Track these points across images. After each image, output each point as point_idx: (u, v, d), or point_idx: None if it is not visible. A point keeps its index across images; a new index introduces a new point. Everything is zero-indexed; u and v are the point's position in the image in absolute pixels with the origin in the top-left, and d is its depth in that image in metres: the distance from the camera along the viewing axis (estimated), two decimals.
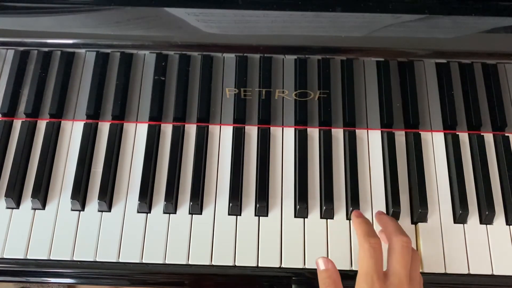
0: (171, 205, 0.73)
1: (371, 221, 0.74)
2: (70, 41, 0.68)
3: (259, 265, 0.71)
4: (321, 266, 0.65)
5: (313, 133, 0.79)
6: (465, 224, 0.75)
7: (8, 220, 0.74)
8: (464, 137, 0.80)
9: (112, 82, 0.78)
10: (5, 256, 0.72)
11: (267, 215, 0.74)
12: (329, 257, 0.71)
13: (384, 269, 0.63)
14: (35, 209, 0.75)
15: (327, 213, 0.74)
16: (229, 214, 0.74)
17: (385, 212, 0.75)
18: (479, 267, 0.72)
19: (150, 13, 0.67)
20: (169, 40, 0.67)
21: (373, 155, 0.79)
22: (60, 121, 0.80)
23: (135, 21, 0.67)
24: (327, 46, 0.68)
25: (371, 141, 0.79)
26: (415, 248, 0.73)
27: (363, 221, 0.68)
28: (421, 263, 0.71)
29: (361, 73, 0.78)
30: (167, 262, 0.72)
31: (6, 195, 0.74)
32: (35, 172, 0.76)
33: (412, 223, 0.75)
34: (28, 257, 0.72)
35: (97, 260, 0.72)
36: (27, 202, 0.75)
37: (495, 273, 0.72)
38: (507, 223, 0.75)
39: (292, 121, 0.79)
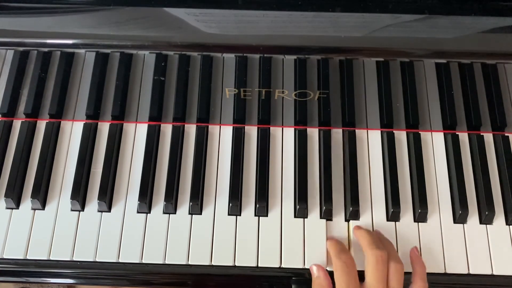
0: (171, 205, 0.73)
1: (370, 227, 0.74)
2: (70, 41, 0.68)
3: (259, 265, 0.71)
4: (315, 273, 0.70)
5: (313, 133, 0.79)
6: (465, 224, 0.75)
7: (8, 220, 0.74)
8: (464, 137, 0.80)
9: (112, 82, 0.78)
10: (5, 256, 0.72)
11: (267, 215, 0.74)
12: (328, 257, 0.71)
13: None
14: (35, 209, 0.75)
15: (327, 213, 0.74)
16: (229, 214, 0.74)
17: (385, 212, 0.75)
18: (479, 267, 0.72)
19: (150, 13, 0.67)
20: (169, 40, 0.67)
21: (373, 155, 0.79)
22: (60, 121, 0.80)
23: (135, 21, 0.67)
24: (327, 46, 0.68)
25: (371, 141, 0.79)
26: (417, 246, 0.73)
27: (334, 242, 0.71)
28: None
29: (361, 73, 0.78)
30: (166, 262, 0.72)
31: (6, 195, 0.74)
32: (35, 172, 0.76)
33: (414, 221, 0.75)
34: (28, 257, 0.72)
35: (97, 260, 0.72)
36: (27, 202, 0.75)
37: (495, 273, 0.72)
38: (507, 223, 0.75)
39: (292, 121, 0.79)
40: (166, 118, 0.79)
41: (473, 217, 0.75)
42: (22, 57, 0.78)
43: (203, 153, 0.77)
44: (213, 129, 0.80)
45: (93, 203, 0.75)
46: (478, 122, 0.78)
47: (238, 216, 0.74)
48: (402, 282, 0.66)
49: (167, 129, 0.80)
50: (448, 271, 0.72)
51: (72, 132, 0.79)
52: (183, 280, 0.73)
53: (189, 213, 0.74)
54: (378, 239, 0.70)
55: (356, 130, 0.79)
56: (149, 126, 0.79)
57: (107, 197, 0.74)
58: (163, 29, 0.67)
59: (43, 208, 0.75)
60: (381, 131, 0.80)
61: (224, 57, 0.77)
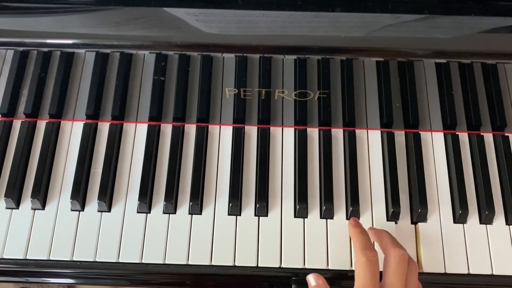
0: (171, 205, 0.73)
1: (367, 226, 0.74)
2: (70, 41, 0.68)
3: (259, 265, 0.71)
4: (312, 282, 0.67)
5: (313, 133, 0.79)
6: (465, 224, 0.74)
7: (8, 220, 0.74)
8: (464, 137, 0.80)
9: (112, 82, 0.78)
10: (5, 256, 0.72)
11: (267, 215, 0.74)
12: (329, 257, 0.71)
13: None
14: (34, 209, 0.75)
15: (327, 213, 0.74)
16: (229, 214, 0.74)
17: (385, 212, 0.75)
18: (479, 267, 0.72)
19: (150, 13, 0.67)
20: (169, 40, 0.67)
21: (373, 155, 0.79)
22: (60, 121, 0.80)
23: (135, 21, 0.67)
24: (327, 46, 0.68)
25: (371, 141, 0.79)
26: (414, 246, 0.73)
27: (360, 231, 0.68)
28: (420, 267, 0.71)
29: (361, 73, 0.78)
30: (167, 262, 0.71)
31: (6, 195, 0.74)
32: (35, 172, 0.76)
33: (412, 223, 0.75)
34: (28, 257, 0.72)
35: (97, 260, 0.72)
36: (26, 202, 0.75)
37: (495, 273, 0.72)
38: (507, 223, 0.75)
39: (292, 121, 0.79)
40: (166, 118, 0.79)
41: (473, 217, 0.75)
42: (22, 57, 0.78)
43: (203, 153, 0.77)
44: (213, 129, 0.80)
45: (93, 203, 0.75)
46: (478, 122, 0.78)
47: (238, 216, 0.74)
48: (416, 279, 0.65)
49: (167, 129, 0.79)
50: (448, 271, 0.72)
51: (72, 132, 0.79)
52: (183, 280, 0.73)
53: (189, 213, 0.74)
54: (395, 238, 0.68)
55: (356, 130, 0.79)
56: (149, 126, 0.79)
57: (107, 197, 0.74)
58: (163, 29, 0.67)
59: (43, 208, 0.75)
60: (381, 131, 0.80)
61: (224, 57, 0.77)
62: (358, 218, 0.74)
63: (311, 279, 0.67)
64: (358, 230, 0.68)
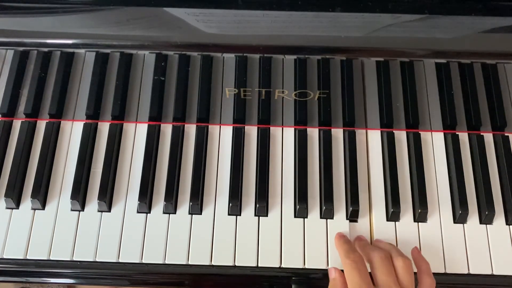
0: (171, 205, 0.73)
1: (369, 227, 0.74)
2: (70, 41, 0.68)
3: (259, 265, 0.71)
4: (332, 274, 0.69)
5: (313, 133, 0.79)
6: (465, 224, 0.75)
7: (8, 220, 0.74)
8: (464, 137, 0.80)
9: (112, 82, 0.78)
10: (5, 256, 0.72)
11: (267, 215, 0.74)
12: (329, 257, 0.72)
13: None
14: (35, 209, 0.75)
15: (327, 213, 0.74)
16: (229, 214, 0.74)
17: (385, 213, 0.75)
18: (479, 267, 0.72)
19: (150, 13, 0.67)
20: (169, 40, 0.67)
21: (373, 155, 0.79)
22: (60, 121, 0.80)
23: (135, 21, 0.67)
24: (327, 46, 0.68)
25: (371, 141, 0.79)
26: (417, 246, 0.73)
27: (343, 241, 0.71)
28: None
29: (361, 73, 0.78)
30: (166, 262, 0.72)
31: (6, 195, 0.74)
32: (35, 172, 0.76)
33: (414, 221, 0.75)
34: (28, 257, 0.72)
35: (97, 260, 0.72)
36: (27, 202, 0.75)
37: (495, 273, 0.72)
38: (507, 223, 0.75)
39: (292, 121, 0.79)
40: (166, 118, 0.79)
41: (473, 217, 0.75)
42: (22, 57, 0.78)
43: (203, 153, 0.77)
44: (213, 129, 0.80)
45: (93, 203, 0.75)
46: (478, 122, 0.78)
47: (238, 216, 0.74)
48: (413, 277, 0.66)
49: (167, 129, 0.80)
50: (448, 271, 0.72)
51: (72, 132, 0.79)
52: (183, 280, 0.73)
53: (189, 213, 0.74)
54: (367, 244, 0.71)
55: (356, 130, 0.79)
56: (149, 126, 0.79)
57: (107, 197, 0.74)
58: (163, 29, 0.67)
59: (43, 208, 0.75)
60: (381, 131, 0.80)
61: (224, 57, 0.77)
62: (358, 218, 0.74)
63: (332, 271, 0.70)
64: (341, 241, 0.71)
